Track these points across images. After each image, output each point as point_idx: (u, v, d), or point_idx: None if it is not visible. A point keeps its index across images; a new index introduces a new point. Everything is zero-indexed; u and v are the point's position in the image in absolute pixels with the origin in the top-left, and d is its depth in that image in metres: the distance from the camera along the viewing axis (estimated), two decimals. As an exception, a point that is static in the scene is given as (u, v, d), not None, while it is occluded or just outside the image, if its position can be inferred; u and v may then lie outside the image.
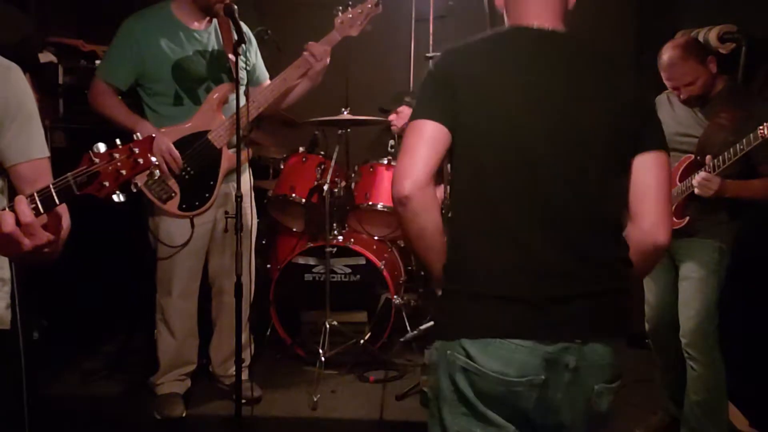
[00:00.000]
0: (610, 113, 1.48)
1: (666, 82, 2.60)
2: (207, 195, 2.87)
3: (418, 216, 1.45)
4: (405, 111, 4.37)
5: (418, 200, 1.43)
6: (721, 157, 2.42)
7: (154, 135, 1.45)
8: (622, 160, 1.51)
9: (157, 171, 1.42)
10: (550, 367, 1.42)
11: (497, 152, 1.45)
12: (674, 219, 2.61)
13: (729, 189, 2.46)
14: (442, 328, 1.53)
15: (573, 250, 1.44)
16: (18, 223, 1.31)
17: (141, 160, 1.35)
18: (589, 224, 1.47)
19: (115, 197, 1.36)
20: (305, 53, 2.90)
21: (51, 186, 1.34)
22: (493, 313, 1.42)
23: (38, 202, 1.34)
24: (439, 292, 1.56)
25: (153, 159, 1.37)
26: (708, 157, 2.48)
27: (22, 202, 1.32)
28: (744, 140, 2.33)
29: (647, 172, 1.50)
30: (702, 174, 2.44)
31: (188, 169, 2.80)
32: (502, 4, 1.62)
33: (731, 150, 2.39)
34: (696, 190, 2.46)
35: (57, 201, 1.35)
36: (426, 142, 1.45)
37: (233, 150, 2.85)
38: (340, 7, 2.93)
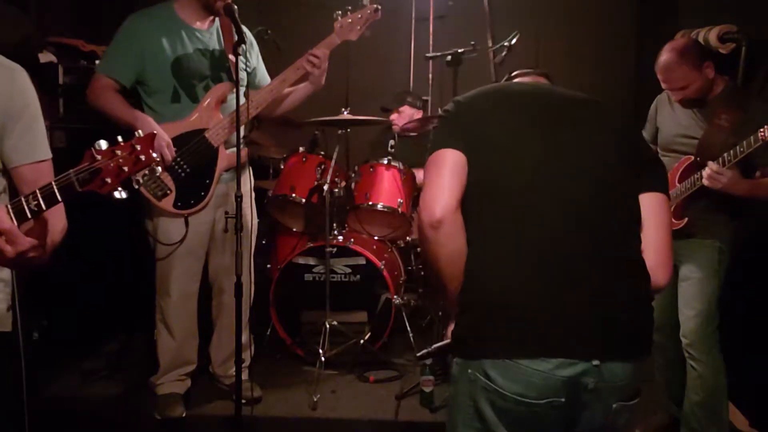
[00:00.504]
0: (610, 148, 1.57)
1: (662, 84, 2.61)
2: (203, 193, 2.86)
3: (449, 239, 1.49)
4: (406, 110, 4.38)
5: (450, 224, 1.48)
6: (721, 159, 2.42)
7: (155, 132, 1.45)
8: (627, 183, 1.56)
9: (159, 168, 1.42)
10: (570, 389, 1.42)
11: (505, 178, 1.51)
12: (673, 220, 2.61)
13: (743, 187, 2.44)
14: (461, 346, 1.53)
15: (590, 271, 1.46)
16: None
17: (143, 157, 1.36)
18: (604, 245, 1.49)
19: (116, 194, 1.37)
20: (304, 57, 2.90)
21: (53, 183, 1.35)
22: (510, 334, 1.43)
23: (40, 199, 1.35)
24: (453, 316, 1.58)
25: (155, 155, 1.37)
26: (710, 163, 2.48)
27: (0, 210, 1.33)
28: (744, 142, 2.33)
29: (647, 214, 1.56)
30: (713, 166, 2.43)
31: (184, 166, 2.80)
32: None
33: (731, 152, 2.38)
34: (705, 182, 2.45)
35: (59, 198, 1.35)
36: (450, 168, 1.51)
37: (231, 150, 2.86)
38: (340, 12, 2.93)
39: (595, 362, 1.41)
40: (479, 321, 1.48)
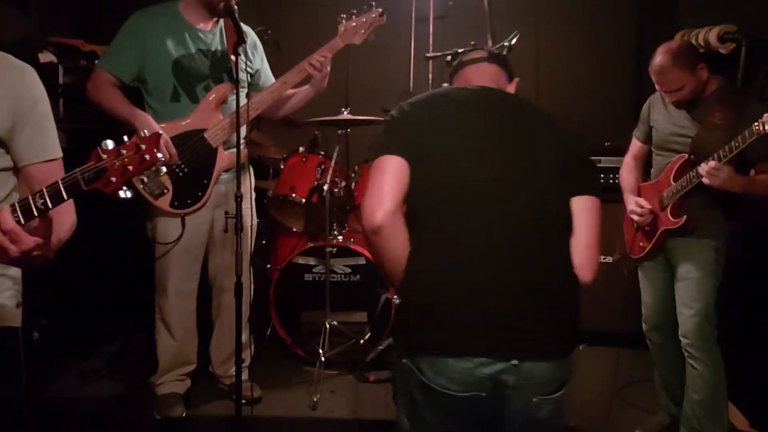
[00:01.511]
0: (543, 153, 1.66)
1: (656, 85, 2.61)
2: (200, 194, 2.86)
3: (390, 242, 1.60)
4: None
5: (390, 228, 1.58)
6: (716, 155, 2.41)
7: (160, 132, 1.46)
8: (558, 188, 1.65)
9: (163, 168, 1.44)
10: (490, 385, 1.54)
11: (442, 183, 1.61)
12: (671, 218, 2.62)
13: (738, 182, 2.43)
14: (399, 341, 1.70)
15: (515, 275, 1.56)
16: (2, 230, 1.34)
17: (148, 156, 1.38)
18: (532, 250, 1.59)
19: (121, 193, 1.39)
20: (306, 60, 2.90)
21: (59, 181, 1.37)
22: (437, 335, 1.55)
23: (47, 198, 1.37)
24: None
25: (159, 155, 1.39)
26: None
27: (4, 210, 1.35)
28: (739, 137, 2.31)
29: (578, 215, 1.65)
30: (711, 163, 2.41)
31: (182, 166, 2.80)
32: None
33: (726, 147, 2.37)
34: (705, 180, 2.43)
35: (65, 196, 1.37)
36: (390, 174, 1.60)
37: (230, 150, 2.86)
38: (344, 15, 2.91)
39: (514, 362, 1.52)
40: (412, 321, 1.61)
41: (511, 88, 1.85)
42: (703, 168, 2.43)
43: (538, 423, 1.59)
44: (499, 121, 1.69)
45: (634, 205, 2.76)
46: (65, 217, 1.57)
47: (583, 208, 1.65)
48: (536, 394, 1.56)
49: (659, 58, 2.55)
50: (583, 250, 1.64)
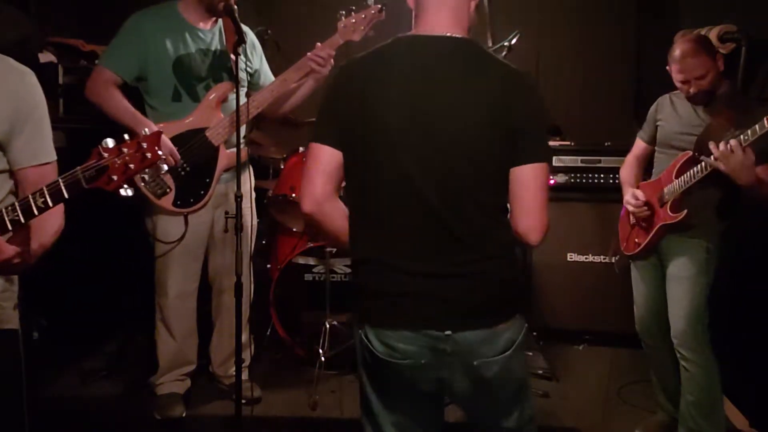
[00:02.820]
0: (487, 119, 1.57)
1: (677, 75, 2.57)
2: (202, 192, 2.87)
3: (323, 225, 1.68)
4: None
5: (319, 214, 1.65)
6: (741, 137, 2.31)
7: (161, 130, 1.47)
8: (499, 163, 1.60)
9: (165, 166, 1.44)
10: (430, 353, 1.60)
11: (374, 161, 1.61)
12: (670, 213, 2.61)
13: (749, 174, 2.32)
14: (352, 314, 1.78)
15: (441, 249, 1.60)
16: None
17: (149, 155, 1.39)
18: (461, 223, 1.59)
19: (122, 191, 1.40)
20: (308, 55, 2.89)
21: (60, 180, 1.37)
22: (378, 310, 1.64)
23: (47, 196, 1.37)
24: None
25: (160, 153, 1.39)
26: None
27: None
28: (749, 131, 2.27)
29: (524, 183, 1.60)
30: (732, 142, 2.30)
31: (184, 165, 2.80)
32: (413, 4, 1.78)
33: (749, 131, 2.28)
34: (714, 154, 2.34)
35: (66, 194, 1.37)
36: (320, 164, 1.64)
37: (231, 149, 2.86)
38: (343, 12, 2.91)
39: (447, 332, 1.58)
40: (358, 294, 1.70)
41: None
42: (721, 145, 2.33)
43: (486, 382, 1.63)
44: (434, 85, 1.58)
45: (631, 196, 2.76)
46: (51, 222, 1.57)
47: (528, 174, 1.59)
48: (476, 358, 1.60)
49: (682, 46, 2.56)
50: (530, 214, 1.60)
